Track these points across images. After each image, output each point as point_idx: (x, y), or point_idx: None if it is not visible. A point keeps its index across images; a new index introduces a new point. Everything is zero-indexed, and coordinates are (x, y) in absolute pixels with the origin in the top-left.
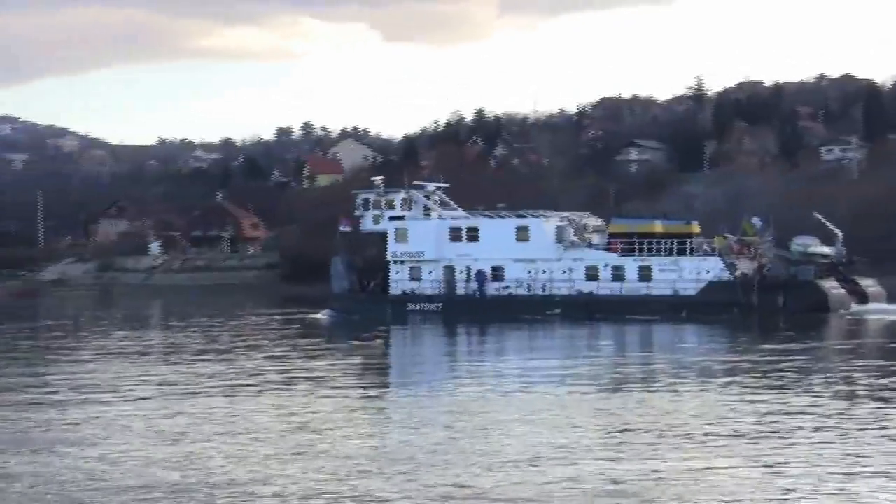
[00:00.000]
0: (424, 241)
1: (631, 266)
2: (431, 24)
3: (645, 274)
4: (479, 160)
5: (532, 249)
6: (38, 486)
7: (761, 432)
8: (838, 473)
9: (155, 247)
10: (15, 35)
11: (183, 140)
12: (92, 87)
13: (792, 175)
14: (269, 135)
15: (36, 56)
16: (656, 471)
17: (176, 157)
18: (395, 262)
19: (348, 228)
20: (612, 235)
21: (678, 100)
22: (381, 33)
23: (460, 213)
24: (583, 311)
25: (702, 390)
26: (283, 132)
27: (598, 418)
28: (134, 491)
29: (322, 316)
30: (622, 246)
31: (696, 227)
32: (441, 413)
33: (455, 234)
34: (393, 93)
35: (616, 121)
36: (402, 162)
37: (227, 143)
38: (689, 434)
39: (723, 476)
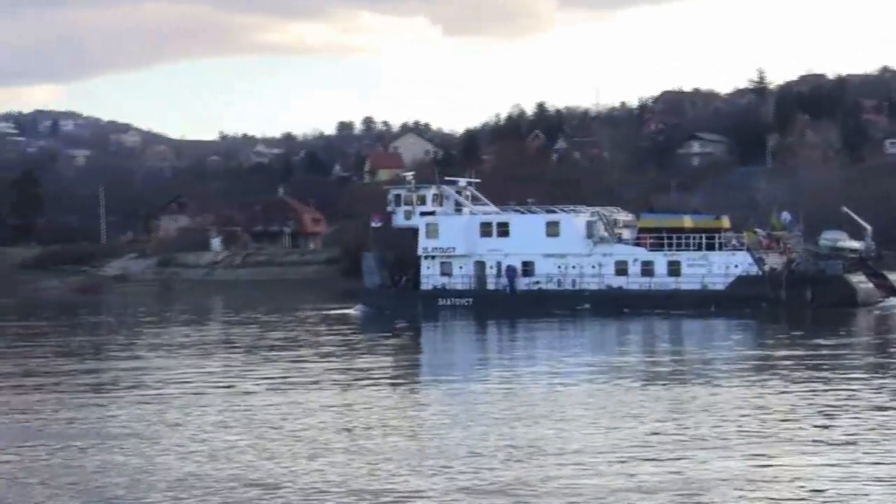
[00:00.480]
0: (455, 236)
1: (660, 261)
2: (492, 18)
3: (674, 269)
4: (539, 154)
5: (562, 244)
6: (142, 475)
7: (825, 425)
8: None
9: (216, 242)
10: (77, 31)
11: (244, 135)
12: (154, 82)
13: (855, 169)
14: (330, 129)
15: (98, 52)
16: (726, 467)
17: (237, 153)
18: (426, 257)
19: (380, 224)
20: (641, 231)
21: (740, 93)
22: (442, 27)
23: (491, 208)
24: (612, 305)
25: (752, 384)
26: (344, 127)
27: (656, 413)
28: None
29: (354, 311)
30: (651, 241)
31: (725, 223)
32: (505, 407)
33: (486, 230)
34: (454, 87)
35: (677, 114)
36: (463, 156)
37: (289, 138)
38: (765, 429)
39: (806, 470)
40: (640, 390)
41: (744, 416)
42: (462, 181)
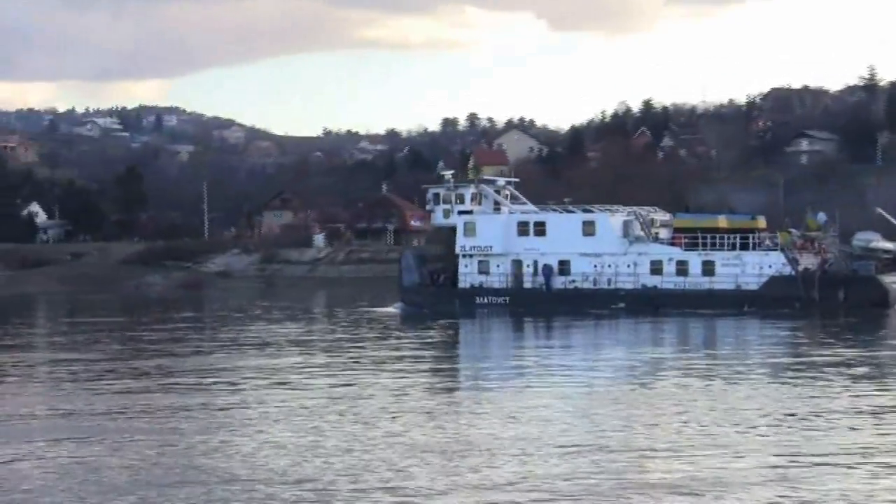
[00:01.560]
0: (493, 235)
1: (695, 260)
2: (598, 13)
3: (708, 268)
4: (645, 152)
5: (598, 244)
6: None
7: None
8: None
9: (319, 239)
10: (181, 26)
11: (348, 132)
12: (258, 77)
13: None
14: (434, 126)
15: (202, 47)
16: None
17: (340, 149)
18: (463, 255)
19: (420, 223)
20: (676, 230)
21: (850, 90)
22: (547, 22)
23: (530, 207)
24: (647, 304)
25: (813, 383)
26: (448, 123)
27: (705, 408)
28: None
29: (394, 309)
30: (686, 241)
31: (761, 223)
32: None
33: (523, 229)
34: (559, 83)
35: (786, 111)
36: (568, 153)
37: (392, 135)
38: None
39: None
40: (682, 387)
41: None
42: (501, 180)
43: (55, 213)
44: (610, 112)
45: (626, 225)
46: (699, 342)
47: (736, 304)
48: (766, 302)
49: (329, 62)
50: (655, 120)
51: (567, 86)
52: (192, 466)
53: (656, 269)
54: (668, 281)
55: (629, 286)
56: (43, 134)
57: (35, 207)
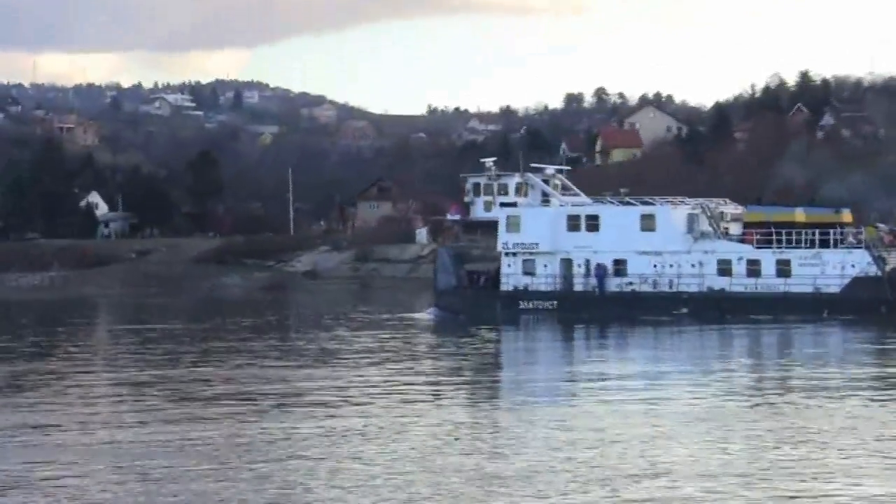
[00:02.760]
0: (539, 230)
1: (768, 259)
2: None
3: (783, 268)
4: (802, 131)
5: (658, 240)
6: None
7: None
8: None
9: (422, 233)
10: None
11: (456, 109)
12: (352, 47)
13: None
14: (555, 103)
15: (287, 11)
16: None
17: (447, 130)
18: (506, 254)
19: (458, 217)
20: (747, 225)
21: None
22: None
23: (584, 199)
24: (713, 310)
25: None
26: (573, 99)
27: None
28: None
29: (426, 315)
30: (759, 237)
31: (847, 216)
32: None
33: (573, 223)
34: (701, 54)
35: None
36: (712, 134)
37: (507, 113)
38: None
39: None
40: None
41: None
42: (550, 168)
43: (118, 204)
44: (761, 86)
45: (691, 219)
46: (787, 353)
47: (814, 309)
48: (849, 306)
49: (436, 29)
50: (814, 94)
51: (710, 57)
52: None
53: (724, 269)
54: (738, 283)
55: (693, 289)
56: (104, 113)
57: (95, 198)
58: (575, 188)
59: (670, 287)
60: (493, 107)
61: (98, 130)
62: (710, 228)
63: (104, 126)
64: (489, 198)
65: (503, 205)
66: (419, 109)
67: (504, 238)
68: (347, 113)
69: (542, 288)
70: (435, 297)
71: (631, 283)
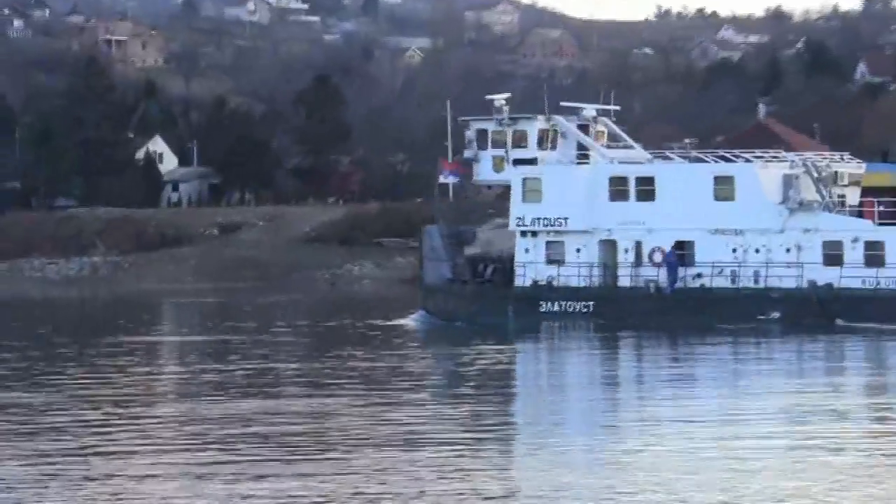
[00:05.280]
0: (569, 199)
1: (893, 241)
2: None
3: None
4: None
5: (739, 214)
6: None
7: None
8: None
9: None
10: None
11: (699, 12)
12: None
13: None
14: (848, 4)
15: None
16: None
17: (686, 43)
18: (523, 233)
19: (454, 179)
20: (865, 192)
21: None
22: None
23: (636, 153)
24: (816, 314)
25: None
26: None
27: None
28: None
29: (409, 321)
30: (883, 210)
31: None
32: None
33: (618, 189)
34: None
35: None
36: None
37: (777, 18)
38: None
39: None
40: None
41: None
42: (591, 108)
43: (192, 155)
44: None
45: (787, 182)
46: None
47: None
48: None
49: None
50: None
51: None
52: None
53: (833, 255)
54: (852, 275)
55: (788, 284)
56: (173, 20)
57: (159, 145)
58: (627, 138)
59: (756, 282)
60: (757, 8)
61: (164, 45)
62: (815, 196)
63: (173, 39)
64: (500, 151)
65: (518, 161)
66: (645, 13)
67: (519, 211)
68: (535, 17)
69: (574, 283)
70: (421, 296)
71: (700, 276)
